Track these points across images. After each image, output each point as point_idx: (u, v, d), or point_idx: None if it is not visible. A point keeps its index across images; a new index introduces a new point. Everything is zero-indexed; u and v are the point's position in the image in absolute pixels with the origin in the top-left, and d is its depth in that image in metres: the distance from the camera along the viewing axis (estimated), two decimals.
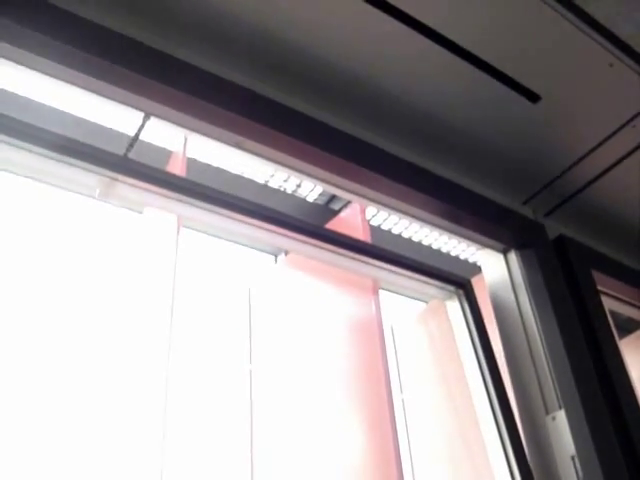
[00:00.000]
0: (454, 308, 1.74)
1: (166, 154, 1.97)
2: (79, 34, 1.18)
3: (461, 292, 1.76)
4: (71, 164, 1.30)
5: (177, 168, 1.85)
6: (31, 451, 1.58)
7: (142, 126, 1.57)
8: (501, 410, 1.58)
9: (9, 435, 1.55)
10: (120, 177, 1.34)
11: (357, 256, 1.65)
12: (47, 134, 1.27)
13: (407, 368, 2.26)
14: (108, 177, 1.34)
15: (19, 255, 1.79)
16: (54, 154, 1.27)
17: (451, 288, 1.77)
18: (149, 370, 1.65)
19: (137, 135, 1.63)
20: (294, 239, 1.58)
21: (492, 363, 1.65)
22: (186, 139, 1.90)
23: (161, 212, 1.75)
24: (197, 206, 1.44)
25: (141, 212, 1.89)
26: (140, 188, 1.38)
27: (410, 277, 1.72)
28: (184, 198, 1.42)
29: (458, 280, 1.77)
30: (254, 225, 1.51)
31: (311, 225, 1.63)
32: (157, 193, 1.39)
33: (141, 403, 1.62)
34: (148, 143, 1.97)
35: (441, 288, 1.77)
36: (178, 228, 1.78)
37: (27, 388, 1.66)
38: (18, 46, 1.14)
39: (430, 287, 1.76)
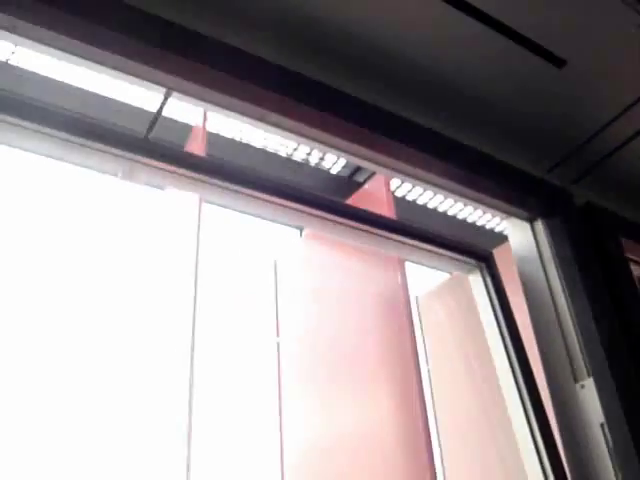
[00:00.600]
0: (476, 282, 1.73)
1: (187, 129, 1.97)
2: (97, 9, 1.18)
3: (483, 265, 1.73)
4: (93, 148, 1.29)
5: (198, 143, 1.85)
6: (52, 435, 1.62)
7: (164, 103, 1.57)
8: (525, 383, 1.57)
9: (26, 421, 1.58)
10: (141, 159, 1.33)
11: (379, 231, 1.63)
12: (68, 118, 1.27)
13: (431, 340, 2.27)
14: (129, 159, 1.33)
15: (36, 233, 1.81)
16: (75, 138, 1.26)
17: (473, 262, 1.74)
18: (175, 344, 1.67)
19: (159, 113, 1.63)
20: (317, 217, 1.56)
21: (515, 335, 1.64)
22: (205, 113, 1.89)
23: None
24: (219, 186, 1.43)
25: (163, 189, 1.90)
26: (162, 170, 1.37)
27: (431, 251, 1.70)
28: (206, 179, 1.41)
29: (480, 253, 1.75)
30: (276, 204, 1.50)
31: (334, 202, 1.62)
32: (178, 174, 1.38)
33: (169, 379, 1.64)
34: (169, 118, 1.97)
35: (463, 262, 1.74)
36: (200, 203, 1.79)
37: (52, 358, 1.70)
38: (36, 23, 1.13)
39: (452, 261, 1.74)
